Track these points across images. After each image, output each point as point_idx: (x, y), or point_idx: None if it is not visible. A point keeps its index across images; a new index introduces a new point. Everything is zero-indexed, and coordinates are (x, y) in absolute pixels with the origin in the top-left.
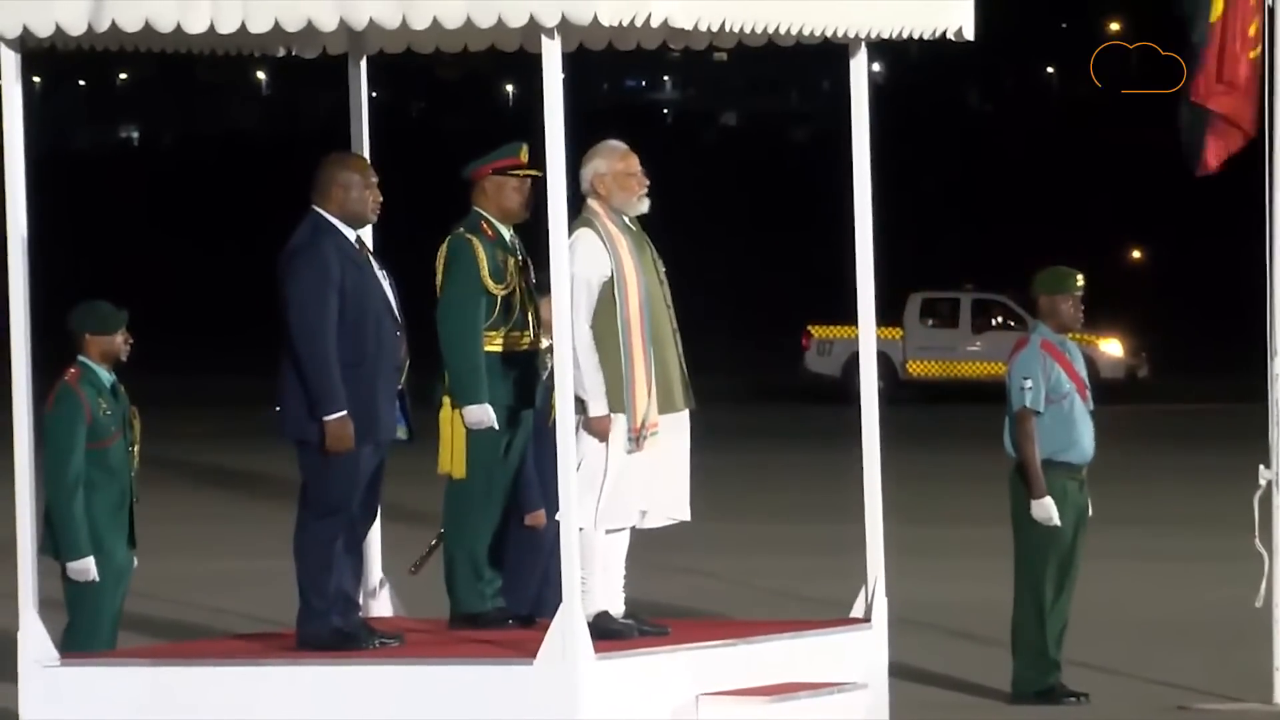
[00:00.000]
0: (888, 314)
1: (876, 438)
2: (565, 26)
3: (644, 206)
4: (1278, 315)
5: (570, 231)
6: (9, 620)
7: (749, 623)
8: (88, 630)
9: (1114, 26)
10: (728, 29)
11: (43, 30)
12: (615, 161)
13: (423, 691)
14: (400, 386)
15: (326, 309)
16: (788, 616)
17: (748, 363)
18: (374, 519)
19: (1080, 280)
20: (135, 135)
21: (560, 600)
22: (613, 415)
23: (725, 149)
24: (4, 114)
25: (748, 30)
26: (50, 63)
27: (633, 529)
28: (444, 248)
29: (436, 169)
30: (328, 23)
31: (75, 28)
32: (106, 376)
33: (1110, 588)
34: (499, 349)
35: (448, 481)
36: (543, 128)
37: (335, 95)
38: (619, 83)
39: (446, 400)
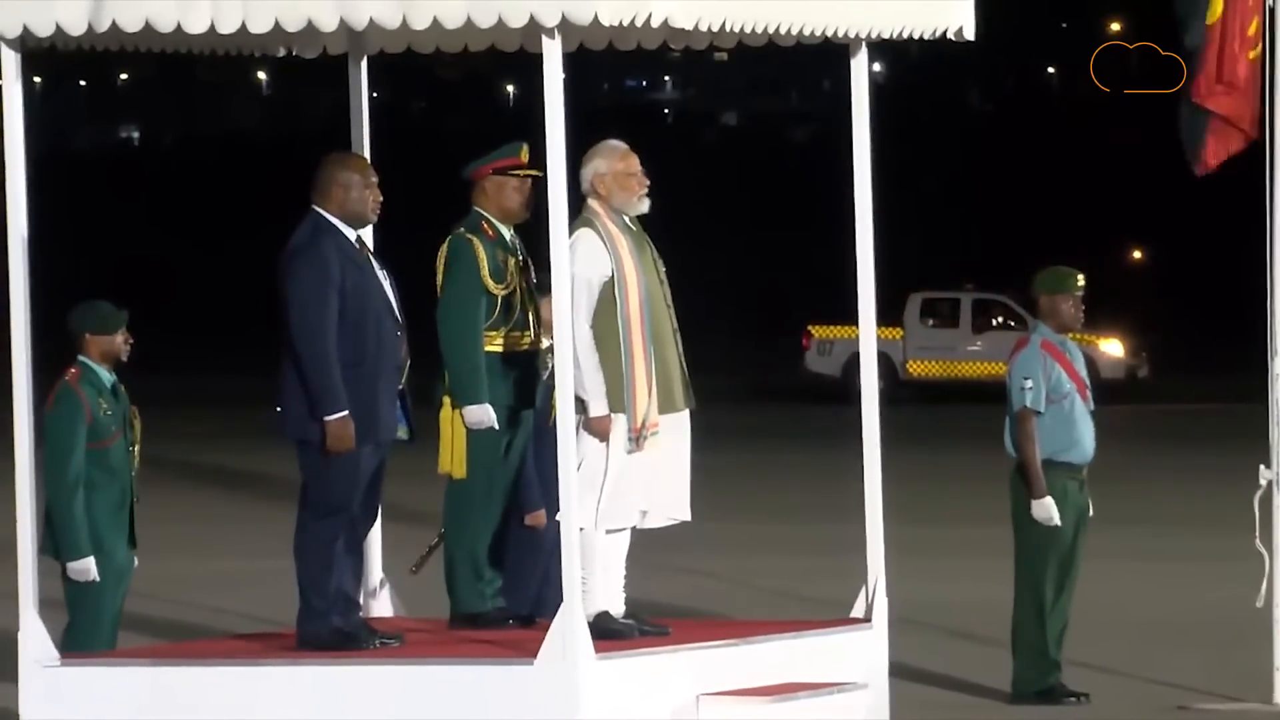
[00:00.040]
0: (888, 314)
1: (877, 438)
2: (566, 26)
3: (644, 206)
4: (1278, 315)
5: (571, 231)
6: (9, 620)
7: (749, 623)
8: (88, 630)
9: (1114, 26)
10: (728, 29)
11: (43, 30)
12: (615, 161)
13: (423, 691)
14: (401, 386)
15: (327, 309)
16: (788, 616)
17: (748, 363)
18: (374, 519)
19: (1081, 280)
20: (135, 135)
21: (561, 600)
22: (613, 415)
23: (726, 149)
24: (4, 114)
25: (748, 30)
26: (51, 62)
27: (633, 529)
28: (444, 248)
29: (437, 169)
30: (328, 23)
31: (75, 27)
32: (107, 376)
33: (1110, 588)
34: (499, 349)
35: (448, 481)
36: (543, 128)
37: (335, 95)
38: (619, 82)
39: (447, 400)
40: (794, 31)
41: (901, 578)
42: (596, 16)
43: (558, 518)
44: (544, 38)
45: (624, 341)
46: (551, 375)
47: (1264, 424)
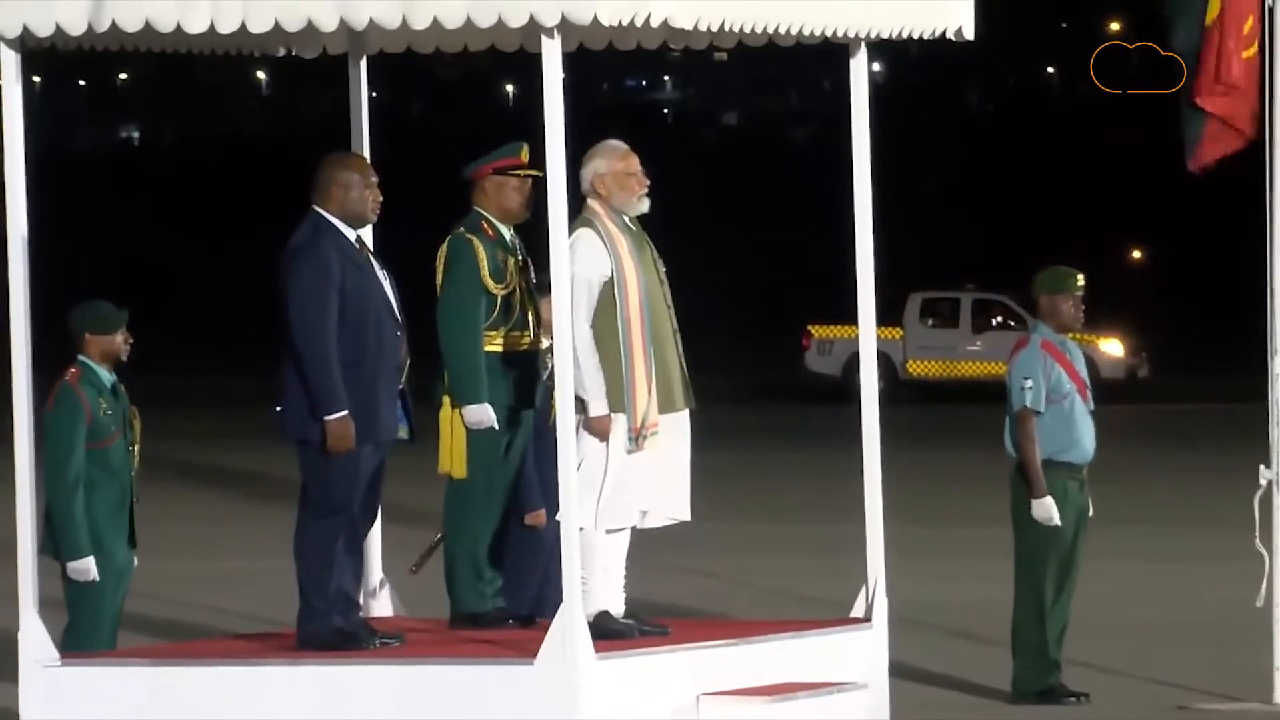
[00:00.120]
0: (888, 314)
1: (877, 437)
2: (565, 26)
3: (644, 206)
4: (1278, 315)
5: (570, 231)
6: (9, 620)
7: (749, 623)
8: (88, 630)
9: (1114, 26)
10: (728, 29)
11: (43, 30)
12: (615, 161)
13: (423, 691)
14: (401, 386)
15: (327, 309)
16: (788, 616)
17: (748, 363)
18: (375, 519)
19: (1081, 280)
20: (135, 135)
21: (560, 600)
22: (613, 415)
23: (725, 149)
24: (4, 114)
25: (748, 30)
26: (51, 62)
27: (633, 529)
28: (444, 247)
29: (437, 169)
30: (328, 23)
31: (75, 27)
32: (107, 376)
33: (1110, 588)
34: (499, 349)
35: (448, 481)
36: (543, 127)
37: (335, 95)
38: (619, 82)
39: (447, 400)
40: (794, 31)
41: (901, 578)
42: (596, 16)
43: (558, 517)
44: (544, 38)
45: (624, 341)
46: (551, 375)
47: (1264, 424)
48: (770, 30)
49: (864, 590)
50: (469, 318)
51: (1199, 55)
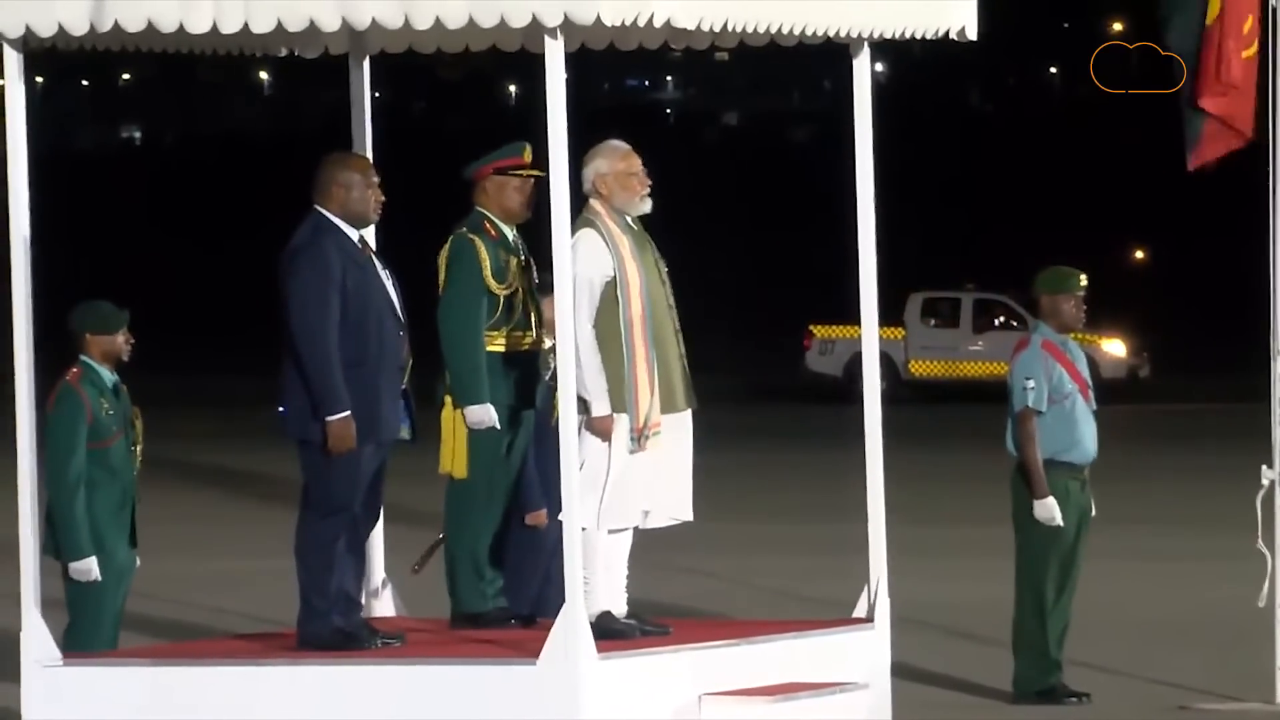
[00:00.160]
0: (889, 314)
1: (879, 437)
2: (567, 26)
3: (646, 206)
4: (1279, 315)
5: (572, 231)
6: (11, 620)
7: (751, 623)
8: (89, 630)
9: (1115, 26)
10: (730, 29)
11: (45, 30)
12: (617, 161)
13: (424, 691)
14: (403, 386)
15: (328, 309)
16: (788, 616)
17: (748, 363)
18: (376, 519)
19: (1082, 280)
20: (137, 135)
21: (562, 600)
22: (615, 415)
23: (727, 149)
24: (7, 113)
25: (750, 30)
26: (53, 62)
27: (635, 529)
28: (446, 247)
29: (438, 169)
30: (330, 23)
31: (78, 28)
32: (108, 376)
33: (1112, 588)
34: (501, 349)
35: (449, 481)
36: (545, 127)
37: (337, 95)
38: (621, 82)
39: (448, 400)
40: (796, 31)
41: (902, 578)
42: (599, 17)
43: (560, 518)
44: (546, 38)
45: (626, 341)
46: (553, 375)
47: (1266, 424)
48: (772, 30)
49: (866, 590)
50: (471, 318)
51: (1199, 55)
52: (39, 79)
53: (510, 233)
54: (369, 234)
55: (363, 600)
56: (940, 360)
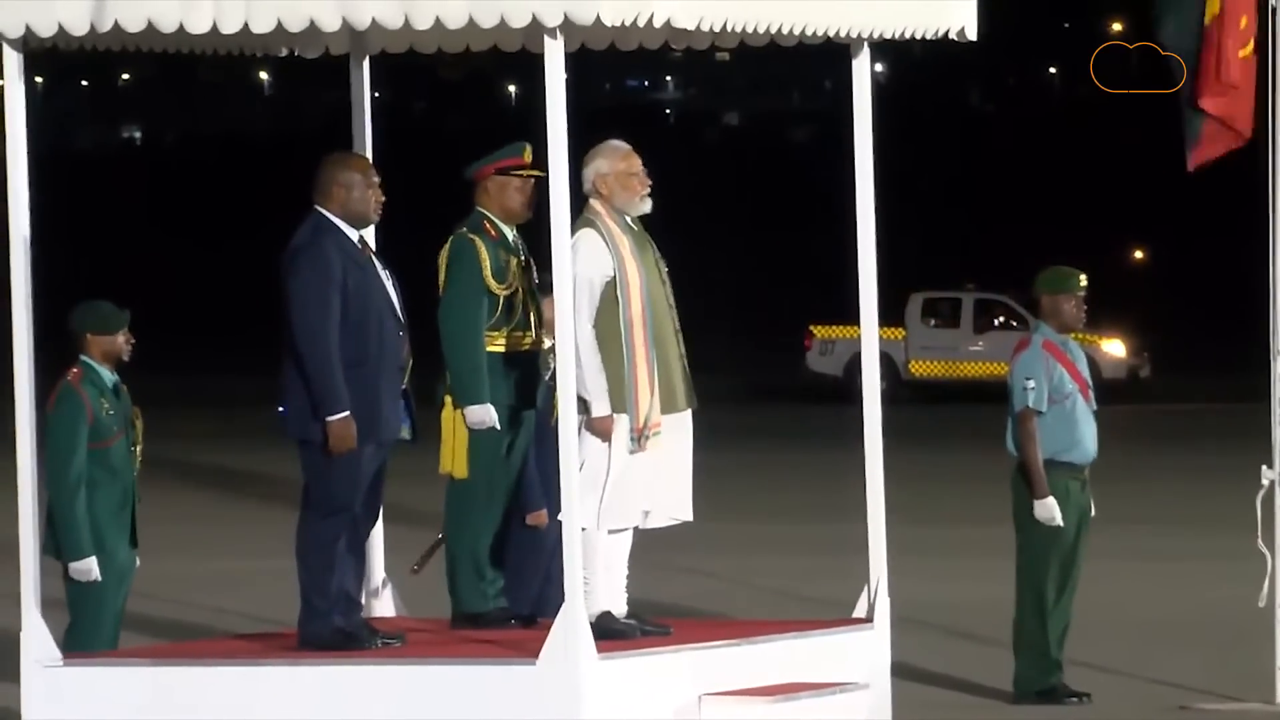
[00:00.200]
0: (890, 314)
1: (879, 437)
2: (568, 26)
3: (646, 206)
4: (1279, 314)
5: (573, 231)
6: (11, 620)
7: (751, 623)
8: (90, 630)
9: (1115, 26)
10: (730, 29)
11: (45, 30)
12: (617, 161)
13: (425, 691)
14: (404, 386)
15: (328, 309)
16: (788, 616)
17: (749, 363)
18: (376, 519)
19: (1083, 280)
20: (137, 135)
21: (562, 600)
22: (615, 415)
23: (727, 149)
24: (6, 113)
25: (750, 30)
26: (53, 62)
27: (635, 529)
28: (446, 247)
29: (439, 169)
30: (330, 23)
31: (78, 28)
32: (109, 376)
33: (1112, 587)
34: (501, 349)
35: (449, 481)
36: (545, 128)
37: (337, 95)
38: (621, 82)
39: (448, 400)
40: (796, 31)
41: (902, 578)
42: (599, 17)
43: (560, 518)
44: (546, 38)
45: (626, 342)
46: (553, 375)
47: (1266, 424)
48: (772, 30)
49: (866, 590)
50: (471, 318)
51: (1198, 55)
52: (39, 79)
53: (510, 233)
54: (369, 234)
55: (363, 600)
56: (940, 360)
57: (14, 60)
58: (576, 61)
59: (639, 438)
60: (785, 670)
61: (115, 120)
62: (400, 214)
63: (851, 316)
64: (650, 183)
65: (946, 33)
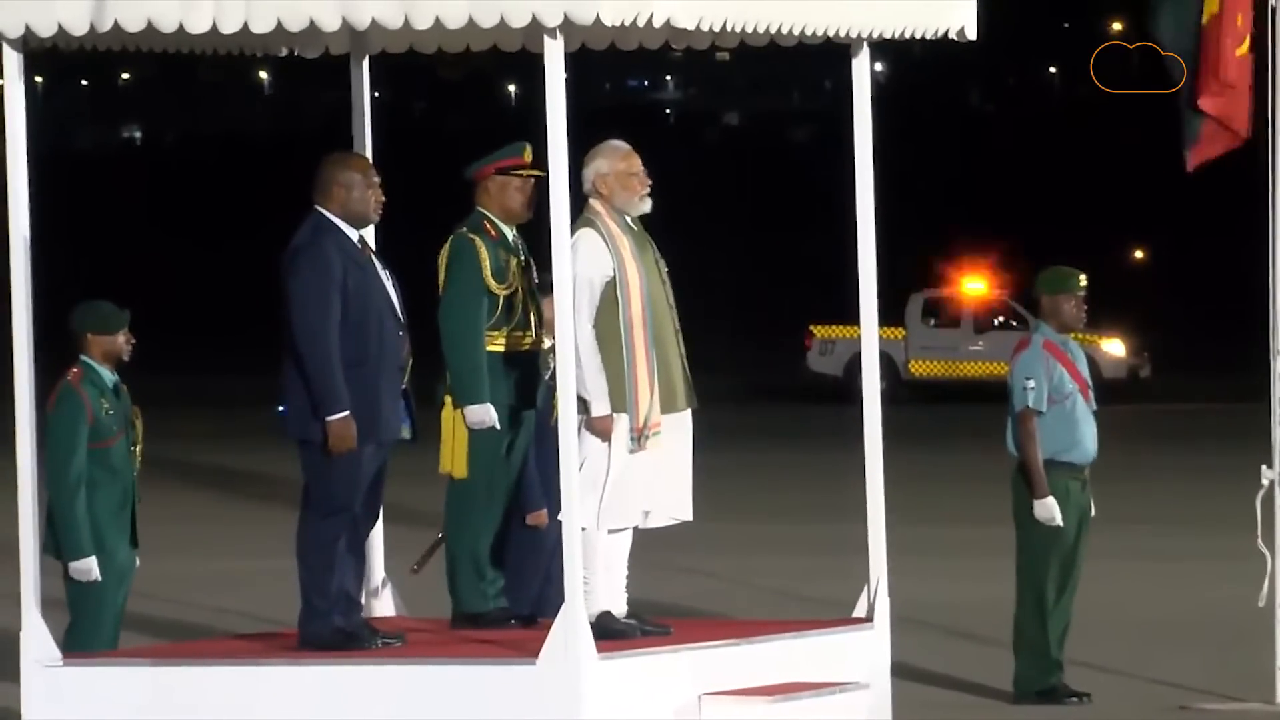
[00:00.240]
0: (890, 314)
1: (879, 437)
2: (568, 26)
3: (646, 206)
4: (1279, 314)
5: (572, 231)
6: (11, 620)
7: (751, 622)
8: (90, 630)
9: (1115, 26)
10: (730, 29)
11: (45, 30)
12: (617, 161)
13: (425, 691)
14: (404, 386)
15: (329, 308)
16: (788, 616)
17: (749, 363)
18: (376, 519)
19: (1083, 280)
20: (137, 135)
21: (562, 600)
22: (615, 415)
23: (727, 149)
24: (6, 113)
25: (750, 30)
26: (53, 62)
27: (635, 529)
28: (447, 247)
29: (439, 169)
30: (330, 23)
31: (78, 27)
32: (109, 376)
33: (1112, 587)
34: (501, 349)
35: (449, 481)
36: (545, 128)
37: (337, 95)
38: (621, 82)
39: (448, 400)
40: (796, 31)
41: (902, 577)
42: (599, 16)
43: (560, 518)
44: (546, 38)
45: (626, 341)
46: (553, 375)
47: (1266, 423)
48: (772, 30)
49: (866, 590)
50: (471, 318)
51: (1197, 54)
52: (39, 79)
53: (510, 233)
54: (369, 234)
55: (363, 600)
56: (941, 360)
57: (14, 60)
58: (576, 61)
59: (639, 437)
60: (785, 670)
61: (115, 120)
62: (400, 214)
63: (851, 316)
64: (650, 183)
65: (946, 33)
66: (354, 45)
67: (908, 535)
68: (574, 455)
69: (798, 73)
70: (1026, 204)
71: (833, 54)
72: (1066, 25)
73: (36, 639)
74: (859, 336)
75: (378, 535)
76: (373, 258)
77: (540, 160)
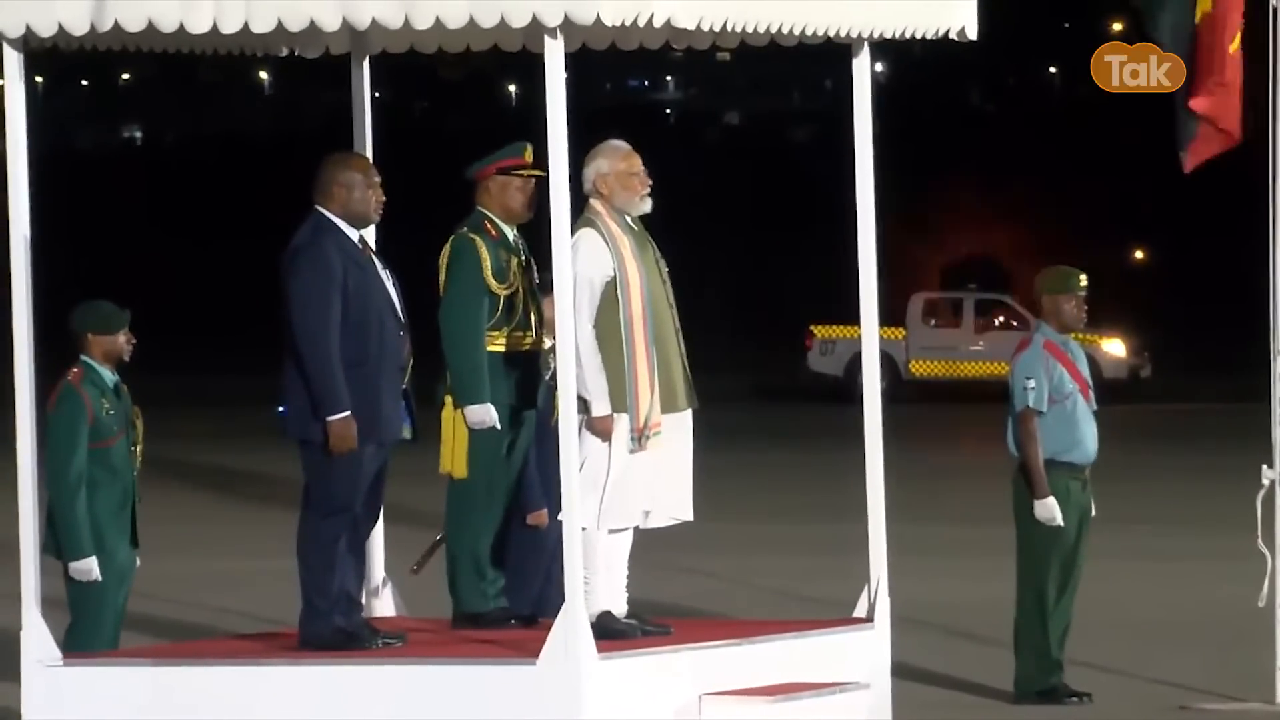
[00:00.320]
0: (890, 314)
1: (879, 437)
2: (568, 26)
3: (646, 206)
4: (1279, 314)
5: (573, 231)
6: (12, 620)
7: (752, 622)
8: (90, 630)
9: (1115, 26)
10: (730, 29)
11: (46, 30)
12: (618, 161)
13: (425, 691)
14: (404, 386)
15: (329, 309)
16: (788, 616)
17: (749, 363)
18: (377, 519)
19: (1083, 280)
20: (138, 135)
21: (563, 600)
22: (615, 415)
23: (728, 149)
24: (7, 113)
25: (750, 30)
26: (53, 62)
27: (635, 529)
28: (447, 247)
29: (439, 169)
30: (330, 23)
31: (78, 27)
32: (109, 376)
33: (1112, 587)
34: (501, 349)
35: (449, 481)
36: (545, 128)
37: (338, 95)
38: (621, 82)
39: (449, 400)
40: (796, 31)
41: (902, 577)
42: (599, 16)
43: (560, 518)
44: (546, 38)
45: (626, 341)
46: (554, 375)
47: (1266, 424)
48: (773, 30)
49: (866, 590)
50: (471, 317)
51: (1191, 55)
52: (39, 79)
53: (511, 232)
54: (369, 234)
55: (364, 600)
56: (941, 360)
57: (14, 60)
58: (576, 61)
59: (639, 437)
60: (785, 670)
61: (115, 120)
62: (400, 214)
63: (852, 316)
64: (650, 182)
65: (946, 33)
66: (354, 45)
67: (908, 535)
68: (574, 455)
69: (798, 73)
70: (1027, 203)
71: (833, 54)
72: (1066, 25)
73: (37, 639)
74: (859, 336)
75: (378, 535)
76: (373, 258)
77: (541, 160)
